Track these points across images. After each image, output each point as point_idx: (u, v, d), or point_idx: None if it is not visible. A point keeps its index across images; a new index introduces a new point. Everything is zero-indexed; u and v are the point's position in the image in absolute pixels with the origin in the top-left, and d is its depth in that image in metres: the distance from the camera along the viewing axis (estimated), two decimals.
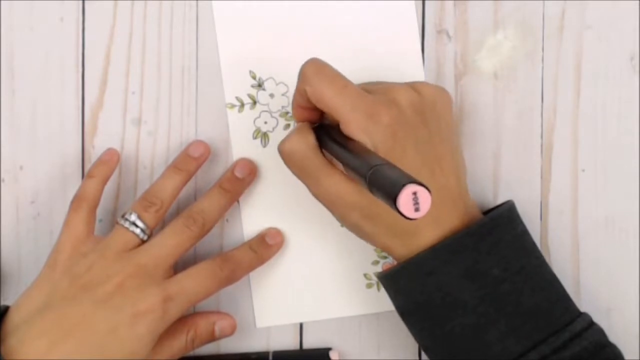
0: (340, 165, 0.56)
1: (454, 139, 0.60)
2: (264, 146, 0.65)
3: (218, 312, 0.64)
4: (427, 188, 0.46)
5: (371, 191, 0.49)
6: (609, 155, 0.66)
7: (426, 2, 0.65)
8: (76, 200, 0.62)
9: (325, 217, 0.64)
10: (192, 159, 0.63)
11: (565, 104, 0.66)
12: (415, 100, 0.58)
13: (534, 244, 0.60)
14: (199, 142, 0.64)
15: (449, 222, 0.58)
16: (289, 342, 0.66)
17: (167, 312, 0.58)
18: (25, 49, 0.65)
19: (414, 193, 0.46)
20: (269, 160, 0.65)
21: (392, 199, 0.46)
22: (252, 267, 0.64)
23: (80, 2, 0.65)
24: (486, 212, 0.61)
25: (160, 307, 0.58)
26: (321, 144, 0.59)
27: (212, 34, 0.65)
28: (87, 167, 0.65)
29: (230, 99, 0.65)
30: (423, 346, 0.60)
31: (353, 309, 0.66)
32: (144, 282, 0.59)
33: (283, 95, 0.65)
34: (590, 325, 0.58)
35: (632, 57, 0.66)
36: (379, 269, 0.65)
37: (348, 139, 0.56)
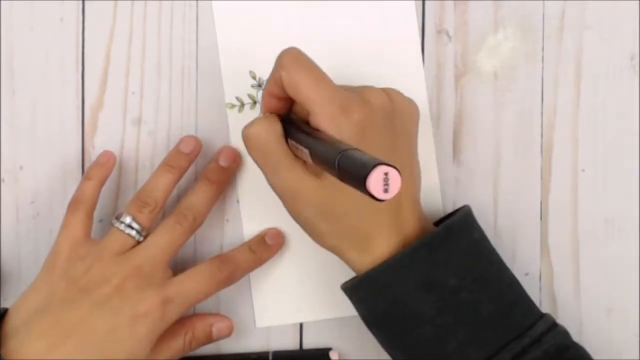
0: (305, 156, 0.55)
1: (415, 151, 0.60)
2: None
3: (216, 314, 0.64)
4: (397, 170, 0.46)
5: (340, 175, 0.48)
6: (609, 155, 0.66)
7: (426, 2, 0.65)
8: (73, 203, 0.62)
9: None
10: (183, 155, 0.63)
11: (565, 104, 0.66)
12: (386, 105, 0.58)
13: (492, 249, 0.60)
14: (189, 138, 0.64)
15: (407, 228, 0.58)
16: (289, 342, 0.66)
17: (166, 313, 0.58)
18: (25, 49, 0.65)
19: (385, 174, 0.46)
20: None
21: (362, 179, 0.46)
22: (252, 267, 0.64)
23: (80, 2, 0.65)
24: (440, 220, 0.61)
25: (159, 309, 0.58)
26: (287, 134, 0.58)
27: (212, 34, 0.65)
28: (87, 167, 0.65)
29: (230, 99, 0.65)
30: (390, 355, 0.60)
31: (353, 309, 0.65)
32: (143, 284, 0.59)
33: None
34: (552, 327, 0.58)
35: (632, 57, 0.66)
36: None
37: (316, 130, 0.56)
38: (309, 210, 0.57)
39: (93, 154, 0.65)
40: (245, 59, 0.65)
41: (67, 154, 0.65)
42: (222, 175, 0.64)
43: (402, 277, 0.57)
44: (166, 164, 0.63)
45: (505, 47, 0.65)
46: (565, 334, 0.58)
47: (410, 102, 0.60)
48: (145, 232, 0.61)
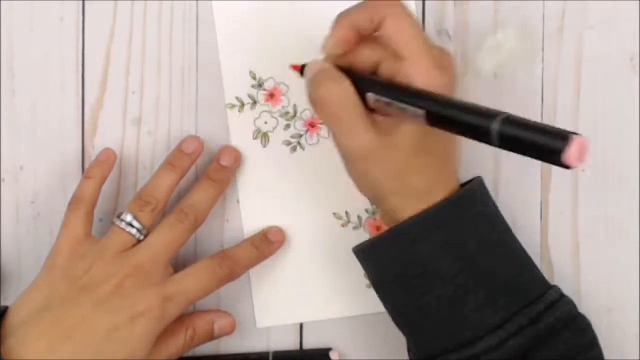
0: (398, 113, 0.54)
1: None
2: (264, 146, 0.65)
3: (217, 311, 0.64)
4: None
5: (501, 142, 0.49)
6: (609, 155, 0.66)
7: (426, 2, 0.65)
8: (74, 202, 0.62)
9: (326, 216, 0.64)
10: (185, 155, 0.63)
11: (565, 104, 0.66)
12: (456, 69, 0.58)
13: (504, 219, 0.60)
14: (192, 138, 0.64)
15: (451, 185, 0.58)
16: (289, 342, 0.66)
17: (166, 311, 0.58)
18: (25, 49, 0.65)
19: (581, 144, 0.47)
20: (269, 160, 0.65)
21: (554, 150, 0.46)
22: (252, 263, 0.64)
23: (80, 2, 0.65)
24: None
25: (159, 307, 0.58)
26: (360, 88, 0.56)
27: (212, 34, 0.65)
28: (87, 167, 0.65)
29: (230, 99, 0.65)
30: (396, 321, 0.60)
31: (353, 309, 0.66)
32: (143, 282, 0.59)
33: (283, 95, 0.65)
34: (562, 297, 0.58)
35: (632, 57, 0.66)
36: None
37: (403, 86, 0.55)
38: (379, 171, 0.57)
39: (93, 154, 0.65)
40: (245, 59, 0.65)
41: (67, 154, 0.65)
42: (224, 175, 0.64)
43: (430, 234, 0.56)
44: (168, 163, 0.63)
45: (505, 47, 0.65)
46: (572, 304, 0.59)
47: None
48: (146, 231, 0.61)
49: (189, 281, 0.60)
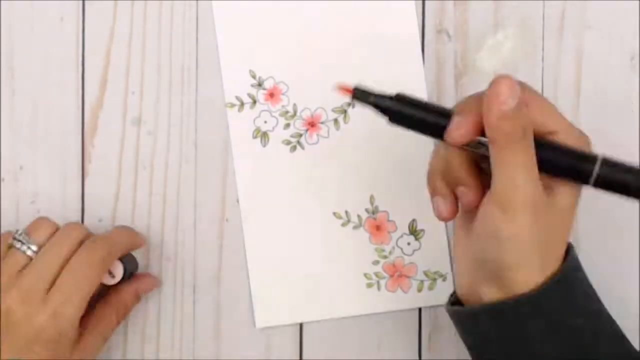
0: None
1: None
2: (264, 146, 0.65)
3: (139, 277, 0.64)
4: None
5: (600, 183, 0.52)
6: (609, 155, 0.65)
7: (426, 2, 0.65)
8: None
9: (326, 216, 0.64)
10: None
11: (565, 103, 0.66)
12: None
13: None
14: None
15: (551, 268, 0.54)
16: (289, 342, 0.66)
17: (61, 324, 0.57)
18: (25, 49, 0.65)
19: None
20: (269, 160, 0.65)
21: None
22: (131, 247, 0.63)
23: (80, 2, 0.65)
24: None
25: (52, 326, 0.57)
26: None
27: (212, 34, 0.65)
28: (87, 167, 0.65)
29: (230, 98, 0.65)
30: None
31: (353, 309, 0.66)
32: (30, 308, 0.57)
33: (283, 94, 0.65)
34: None
35: (632, 57, 0.66)
36: (379, 268, 0.65)
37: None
38: (539, 227, 0.52)
39: (93, 154, 0.65)
40: (245, 58, 0.65)
41: (67, 154, 0.65)
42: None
43: (534, 315, 0.53)
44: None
45: (505, 47, 0.66)
46: None
47: None
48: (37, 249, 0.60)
49: (70, 282, 0.58)
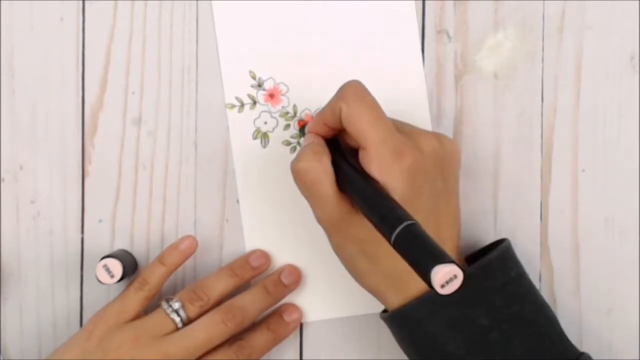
0: (352, 194, 0.56)
1: (458, 195, 0.60)
2: (264, 146, 0.65)
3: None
4: (463, 271, 0.46)
5: (396, 246, 0.49)
6: (609, 155, 0.66)
7: (426, 2, 0.65)
8: (139, 281, 0.62)
9: None
10: (250, 268, 0.64)
11: (565, 104, 0.66)
12: (438, 151, 0.57)
13: (528, 286, 0.59)
14: (261, 253, 0.64)
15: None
16: (289, 342, 0.66)
17: None
18: (25, 49, 0.65)
19: (454, 275, 0.46)
20: (269, 161, 0.65)
21: (424, 268, 0.47)
22: (262, 310, 0.64)
23: (80, 2, 0.65)
24: (482, 250, 0.61)
25: None
26: (335, 165, 0.57)
27: (212, 34, 0.65)
28: (87, 167, 0.65)
29: (230, 99, 0.65)
30: None
31: (353, 309, 0.66)
32: None
33: (283, 95, 0.65)
34: None
35: (632, 57, 0.66)
36: None
37: (367, 175, 0.56)
38: (353, 247, 0.58)
39: (93, 154, 0.65)
40: (245, 59, 0.65)
41: (67, 154, 0.65)
42: (280, 290, 0.64)
43: (433, 315, 0.56)
44: (230, 269, 0.63)
45: (505, 47, 0.65)
46: None
47: (456, 146, 0.60)
48: (188, 323, 0.61)
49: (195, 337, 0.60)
